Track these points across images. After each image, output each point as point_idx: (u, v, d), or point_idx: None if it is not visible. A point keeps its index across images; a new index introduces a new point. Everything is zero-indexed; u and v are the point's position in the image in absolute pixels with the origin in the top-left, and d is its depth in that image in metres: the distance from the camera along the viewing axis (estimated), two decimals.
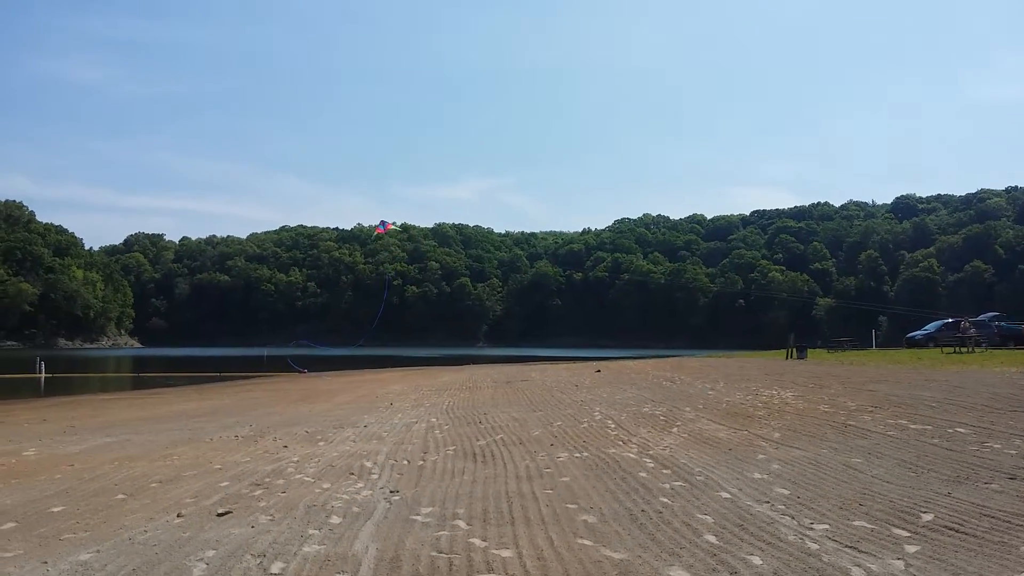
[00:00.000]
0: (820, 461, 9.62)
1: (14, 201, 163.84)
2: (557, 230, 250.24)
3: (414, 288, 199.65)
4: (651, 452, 10.91)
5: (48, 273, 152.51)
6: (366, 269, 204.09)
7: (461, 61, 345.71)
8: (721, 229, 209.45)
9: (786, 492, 8.02)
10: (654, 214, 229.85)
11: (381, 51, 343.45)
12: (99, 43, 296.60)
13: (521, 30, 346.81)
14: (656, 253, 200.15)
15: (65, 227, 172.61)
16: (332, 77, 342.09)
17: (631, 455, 10.73)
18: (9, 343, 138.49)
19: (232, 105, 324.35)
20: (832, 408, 14.54)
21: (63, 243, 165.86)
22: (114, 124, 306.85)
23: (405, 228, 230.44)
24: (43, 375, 47.50)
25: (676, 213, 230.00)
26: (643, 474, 9.30)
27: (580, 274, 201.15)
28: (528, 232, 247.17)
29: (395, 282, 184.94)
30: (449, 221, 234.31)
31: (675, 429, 13.22)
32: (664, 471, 9.46)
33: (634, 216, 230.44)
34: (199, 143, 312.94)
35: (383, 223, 32.81)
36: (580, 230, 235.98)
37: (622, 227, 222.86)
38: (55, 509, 8.35)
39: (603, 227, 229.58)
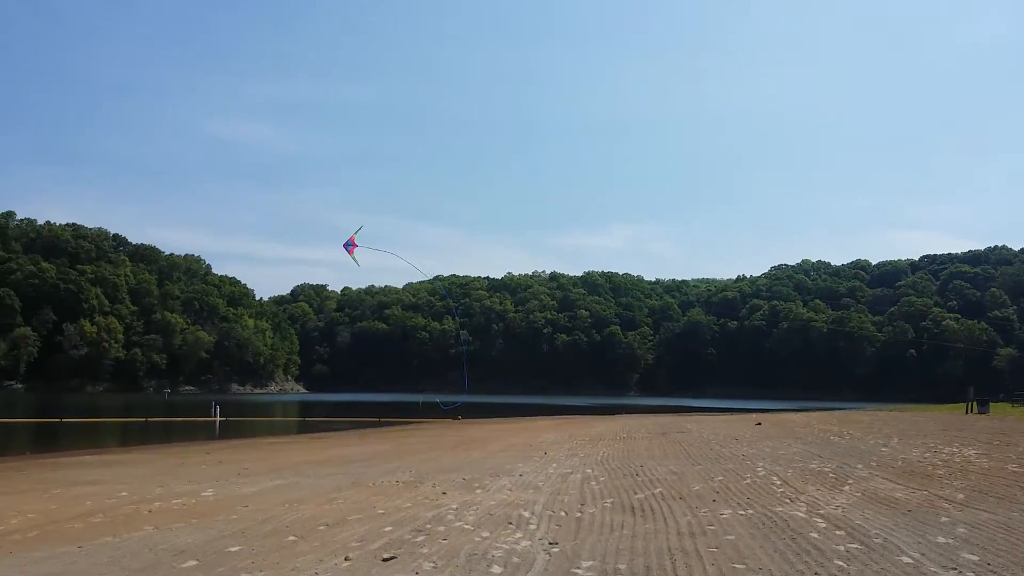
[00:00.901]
0: (1012, 525, 8.84)
1: (193, 255, 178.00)
2: (709, 277, 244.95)
3: (564, 336, 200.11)
4: (822, 511, 10.35)
5: (223, 322, 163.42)
6: (516, 317, 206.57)
7: (608, 109, 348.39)
8: (887, 275, 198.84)
9: (975, 558, 7.41)
10: (813, 260, 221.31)
11: (529, 102, 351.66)
12: (266, 105, 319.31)
13: (668, 78, 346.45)
14: (817, 300, 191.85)
15: (238, 278, 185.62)
16: (482, 130, 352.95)
17: (800, 514, 10.22)
18: (188, 388, 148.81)
19: (390, 160, 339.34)
20: (1022, 468, 13.35)
21: (236, 294, 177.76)
22: (281, 180, 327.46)
23: (554, 277, 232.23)
24: (218, 419, 50.68)
25: (837, 259, 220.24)
26: (814, 534, 8.83)
27: (735, 322, 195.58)
28: (679, 279, 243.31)
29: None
30: (598, 269, 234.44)
31: (847, 487, 12.50)
32: (837, 532, 8.94)
33: (792, 262, 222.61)
34: (358, 197, 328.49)
35: (347, 245, 29.79)
36: (734, 277, 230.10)
37: (779, 274, 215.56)
38: (232, 549, 8.79)
39: (759, 274, 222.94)
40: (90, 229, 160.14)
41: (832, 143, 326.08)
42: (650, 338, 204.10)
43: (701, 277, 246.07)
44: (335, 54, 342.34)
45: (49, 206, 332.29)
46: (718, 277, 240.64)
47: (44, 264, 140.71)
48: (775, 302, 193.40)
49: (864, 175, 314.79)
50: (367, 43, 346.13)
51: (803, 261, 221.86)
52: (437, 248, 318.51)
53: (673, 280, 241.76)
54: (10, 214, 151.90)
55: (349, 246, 29.34)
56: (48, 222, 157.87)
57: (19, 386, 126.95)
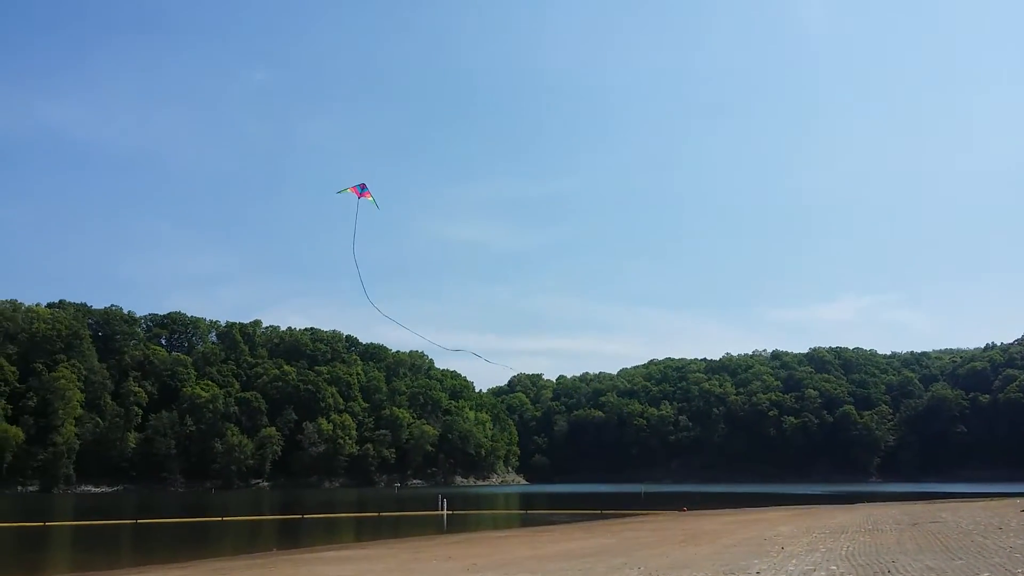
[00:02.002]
0: None
1: (417, 351, 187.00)
2: (953, 347, 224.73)
3: (791, 419, 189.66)
4: None
5: (445, 415, 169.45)
6: (738, 400, 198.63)
7: (823, 174, 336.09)
8: None
9: None
10: None
11: (728, 177, 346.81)
12: (484, 204, 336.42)
13: (908, 137, 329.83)
14: None
15: (458, 372, 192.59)
16: (691, 206, 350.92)
17: None
18: (415, 481, 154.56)
19: (598, 247, 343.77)
20: None
21: (457, 387, 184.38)
22: (495, 273, 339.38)
23: (776, 355, 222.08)
24: (445, 512, 51.84)
25: None
26: None
27: (987, 396, 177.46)
28: (918, 352, 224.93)
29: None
30: (825, 344, 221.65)
31: None
32: None
33: None
34: (570, 285, 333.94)
35: (362, 186, 23.46)
36: (983, 346, 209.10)
37: None
38: None
39: (1011, 340, 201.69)
40: (326, 332, 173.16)
41: None
42: (890, 417, 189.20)
43: (943, 348, 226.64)
44: (537, 151, 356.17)
45: (290, 312, 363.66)
46: (963, 347, 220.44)
47: (286, 367, 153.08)
48: None
49: None
50: (569, 139, 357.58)
51: None
52: (651, 331, 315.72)
53: (911, 353, 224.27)
54: (257, 323, 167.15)
55: (363, 191, 25.12)
56: (290, 328, 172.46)
57: (265, 484, 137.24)
